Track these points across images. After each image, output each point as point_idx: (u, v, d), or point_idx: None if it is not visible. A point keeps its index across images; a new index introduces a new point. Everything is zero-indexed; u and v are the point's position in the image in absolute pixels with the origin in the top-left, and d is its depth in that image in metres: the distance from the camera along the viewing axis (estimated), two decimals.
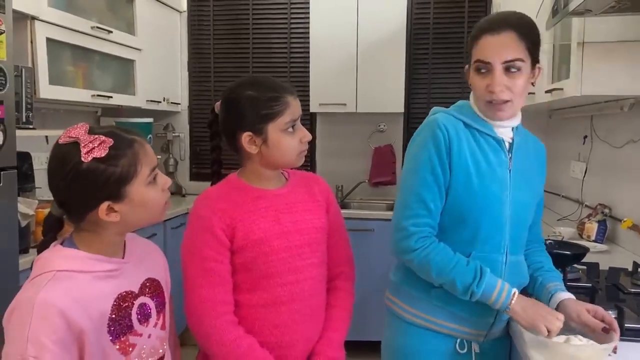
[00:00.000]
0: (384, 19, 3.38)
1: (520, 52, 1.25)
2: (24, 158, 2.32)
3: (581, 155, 2.80)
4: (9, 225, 1.78)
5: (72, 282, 1.00)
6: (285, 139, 1.30)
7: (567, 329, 1.22)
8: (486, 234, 1.31)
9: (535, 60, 1.28)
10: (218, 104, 1.38)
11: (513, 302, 1.23)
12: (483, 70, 1.28)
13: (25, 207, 1.93)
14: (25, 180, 2.26)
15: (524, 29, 1.26)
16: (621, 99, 2.15)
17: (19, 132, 1.84)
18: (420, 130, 1.36)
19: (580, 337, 1.17)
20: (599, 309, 1.23)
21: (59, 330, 0.95)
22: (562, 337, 1.18)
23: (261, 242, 1.29)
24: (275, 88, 1.30)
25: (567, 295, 1.29)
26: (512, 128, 1.36)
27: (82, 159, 0.99)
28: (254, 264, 1.30)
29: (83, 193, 1.01)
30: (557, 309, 1.27)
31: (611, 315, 1.23)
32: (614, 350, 1.15)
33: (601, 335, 1.18)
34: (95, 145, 1.00)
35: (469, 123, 1.33)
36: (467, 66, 1.35)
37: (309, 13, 3.51)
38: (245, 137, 1.29)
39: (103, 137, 1.02)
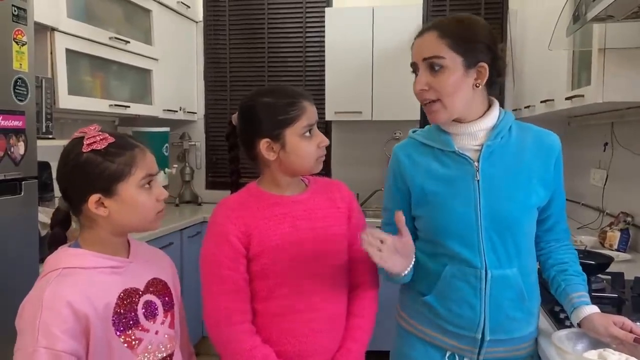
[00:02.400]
0: (399, 27, 3.37)
1: (440, 49, 1.22)
2: (43, 168, 2.33)
3: (601, 162, 2.76)
4: (30, 235, 1.79)
5: (78, 277, 1.05)
6: (303, 143, 1.29)
7: (596, 343, 1.19)
8: (457, 250, 1.27)
9: (470, 59, 1.23)
10: (235, 115, 1.38)
11: None
12: (415, 73, 1.29)
13: (45, 216, 1.94)
14: (44, 190, 2.27)
15: (446, 28, 1.24)
16: None
17: (39, 142, 1.85)
18: None
19: (610, 350, 1.13)
20: (627, 320, 1.19)
21: (68, 321, 0.99)
22: (594, 352, 1.14)
23: (277, 248, 1.28)
24: (291, 94, 1.31)
25: (591, 310, 1.23)
26: (488, 132, 1.29)
27: (83, 149, 1.07)
28: (270, 271, 1.28)
29: (78, 182, 1.08)
30: (581, 324, 1.23)
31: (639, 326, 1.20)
32: None
33: (632, 347, 1.14)
34: (98, 139, 1.08)
35: (427, 143, 1.35)
36: None
37: (324, 21, 3.52)
38: (264, 144, 1.29)
39: (107, 135, 1.10)
